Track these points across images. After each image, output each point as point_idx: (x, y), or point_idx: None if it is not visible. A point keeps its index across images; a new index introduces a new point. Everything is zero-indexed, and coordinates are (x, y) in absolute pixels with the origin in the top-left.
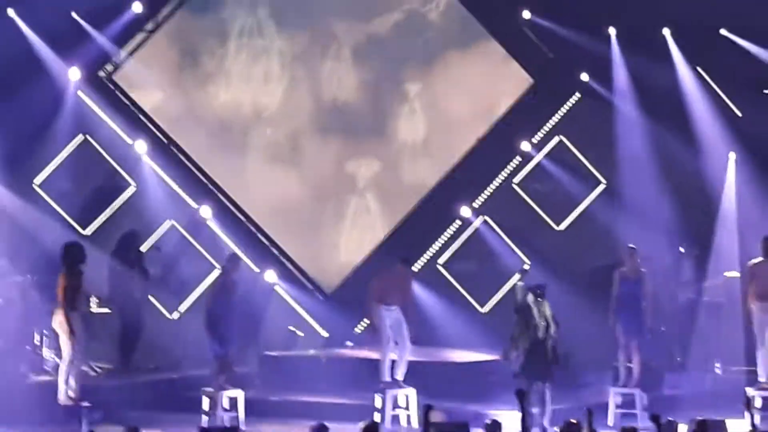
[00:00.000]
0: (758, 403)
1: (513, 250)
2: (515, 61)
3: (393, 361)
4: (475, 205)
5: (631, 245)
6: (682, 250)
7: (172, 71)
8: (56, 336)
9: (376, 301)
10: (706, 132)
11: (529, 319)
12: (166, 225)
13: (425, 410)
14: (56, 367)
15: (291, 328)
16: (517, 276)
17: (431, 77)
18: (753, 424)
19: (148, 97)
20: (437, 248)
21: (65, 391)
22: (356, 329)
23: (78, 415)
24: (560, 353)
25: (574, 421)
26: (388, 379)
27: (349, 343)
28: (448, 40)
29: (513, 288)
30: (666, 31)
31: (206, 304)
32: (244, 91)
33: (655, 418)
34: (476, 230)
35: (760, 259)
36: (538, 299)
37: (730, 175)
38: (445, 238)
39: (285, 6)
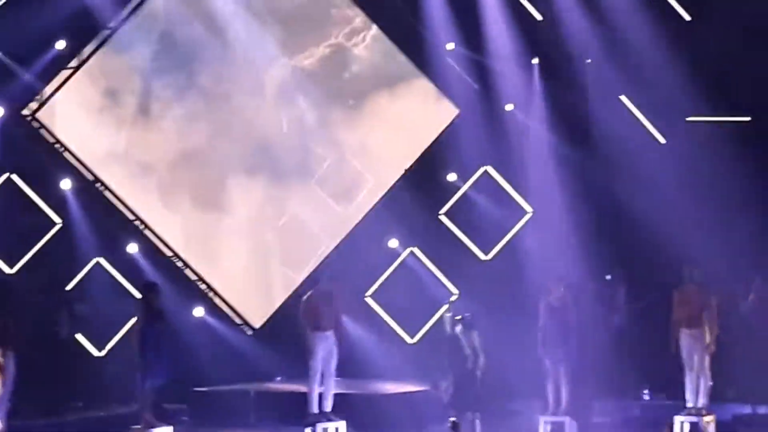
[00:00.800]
0: (686, 429)
1: (441, 280)
2: (441, 92)
3: (320, 394)
4: (403, 237)
5: (557, 274)
6: (608, 277)
7: (95, 109)
8: None
9: (309, 326)
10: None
11: (457, 350)
12: (93, 262)
13: None
14: None
15: None
16: (445, 307)
17: (357, 111)
18: None
19: (73, 135)
20: (365, 281)
21: None
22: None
23: None
24: (489, 383)
25: None
26: (316, 411)
27: (278, 379)
28: (374, 73)
29: (441, 318)
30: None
31: (134, 335)
32: (169, 130)
33: None
34: (404, 262)
35: (686, 285)
36: (467, 329)
37: None
38: (373, 271)
39: (208, 43)
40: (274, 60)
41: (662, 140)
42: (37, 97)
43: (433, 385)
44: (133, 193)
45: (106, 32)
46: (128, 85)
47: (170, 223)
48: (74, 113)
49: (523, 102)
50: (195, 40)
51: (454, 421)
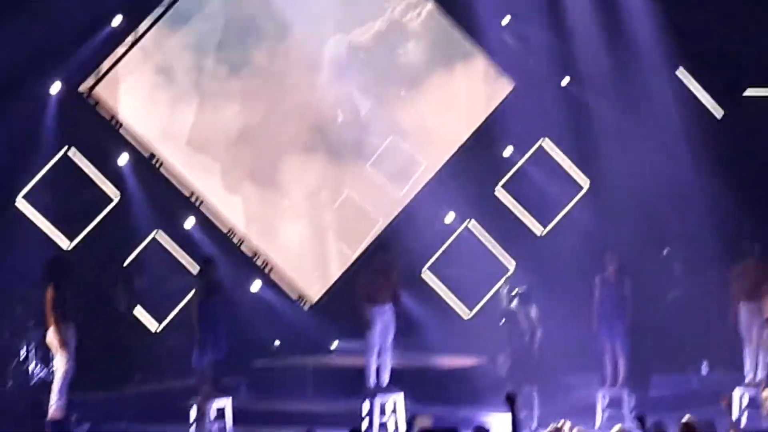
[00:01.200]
0: (745, 402)
1: (497, 255)
2: (496, 67)
3: (377, 367)
4: (459, 212)
5: (611, 250)
6: (666, 251)
7: (150, 86)
8: (48, 350)
9: (367, 300)
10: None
11: (514, 324)
12: (150, 237)
13: (410, 420)
14: (42, 382)
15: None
16: (502, 281)
17: (412, 89)
18: (737, 424)
19: (129, 111)
20: (422, 255)
21: (56, 405)
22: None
23: (65, 428)
24: (546, 357)
25: (560, 423)
26: (374, 385)
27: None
28: (429, 48)
29: (498, 293)
30: None
31: (192, 309)
32: (223, 107)
33: (640, 419)
34: (460, 236)
35: (745, 258)
36: (524, 304)
37: None
38: (430, 245)
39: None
40: (329, 36)
41: (719, 114)
42: (94, 73)
43: (490, 359)
44: (189, 169)
45: (161, 9)
46: (182, 61)
47: (226, 199)
48: (130, 90)
49: (579, 76)
50: (250, 16)
51: (510, 395)
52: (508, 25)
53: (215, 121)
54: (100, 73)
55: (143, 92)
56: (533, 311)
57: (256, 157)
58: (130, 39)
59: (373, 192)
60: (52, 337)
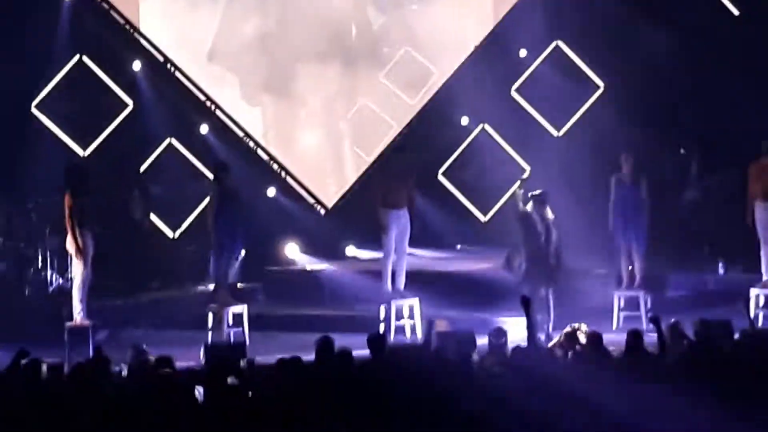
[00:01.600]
0: (762, 301)
1: (512, 157)
2: None
3: (393, 271)
4: (474, 114)
5: (627, 150)
6: (682, 151)
7: None
8: (67, 256)
9: (383, 205)
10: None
11: (530, 226)
12: (165, 144)
13: (428, 325)
14: (59, 288)
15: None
16: (517, 184)
17: None
18: (754, 323)
19: (143, 16)
20: (438, 159)
21: (77, 311)
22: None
23: (84, 334)
24: (563, 258)
25: (576, 325)
26: (390, 289)
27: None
28: None
29: (513, 195)
30: None
31: (208, 215)
32: (238, 12)
33: (654, 320)
34: (475, 139)
35: (763, 158)
36: (539, 206)
37: None
38: (446, 149)
39: None
40: None
41: (736, 12)
42: None
43: (506, 261)
44: (203, 76)
45: None
46: None
47: (241, 105)
48: None
49: None
50: None
51: (525, 297)
52: None
53: (228, 27)
54: None
55: None
56: (549, 213)
57: (271, 64)
58: None
59: (388, 100)
60: (70, 243)
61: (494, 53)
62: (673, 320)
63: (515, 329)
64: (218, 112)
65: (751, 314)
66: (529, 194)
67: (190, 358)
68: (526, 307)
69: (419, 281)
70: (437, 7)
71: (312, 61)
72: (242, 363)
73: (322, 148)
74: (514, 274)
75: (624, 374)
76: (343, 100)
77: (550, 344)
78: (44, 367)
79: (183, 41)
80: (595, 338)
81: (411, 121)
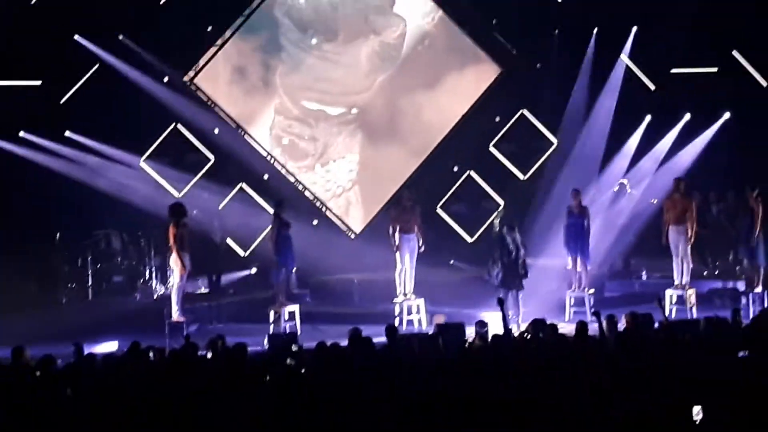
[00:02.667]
0: (674, 299)
1: (491, 195)
2: (487, 55)
3: (404, 280)
4: (462, 162)
5: (575, 188)
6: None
7: (227, 81)
8: (167, 270)
9: (397, 230)
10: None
11: (504, 246)
12: (237, 187)
13: (431, 318)
14: (162, 295)
15: None
16: (495, 214)
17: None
18: (667, 315)
19: (219, 96)
20: (436, 197)
21: (175, 311)
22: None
23: (180, 328)
24: (528, 269)
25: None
26: (401, 292)
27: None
28: (440, 44)
29: (492, 223)
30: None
31: (270, 239)
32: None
33: (596, 314)
34: (464, 182)
35: (672, 194)
36: (511, 231)
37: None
38: (441, 189)
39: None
40: (367, 35)
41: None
42: (194, 67)
43: (486, 272)
44: (264, 138)
45: (241, 18)
46: (253, 60)
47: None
48: (218, 80)
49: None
50: (306, 21)
51: (500, 298)
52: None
53: (278, 107)
54: (198, 68)
55: (225, 83)
56: (518, 236)
57: (314, 135)
58: (219, 41)
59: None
60: (174, 262)
61: (476, 119)
62: (609, 314)
63: (494, 322)
64: (276, 164)
65: (666, 310)
66: (504, 222)
67: (258, 344)
68: (501, 305)
69: (423, 286)
70: (438, 92)
71: (342, 134)
72: (294, 348)
73: (349, 191)
74: (492, 281)
75: (573, 353)
76: (366, 157)
77: (519, 332)
78: (151, 353)
79: (247, 115)
80: (553, 328)
81: (417, 168)
